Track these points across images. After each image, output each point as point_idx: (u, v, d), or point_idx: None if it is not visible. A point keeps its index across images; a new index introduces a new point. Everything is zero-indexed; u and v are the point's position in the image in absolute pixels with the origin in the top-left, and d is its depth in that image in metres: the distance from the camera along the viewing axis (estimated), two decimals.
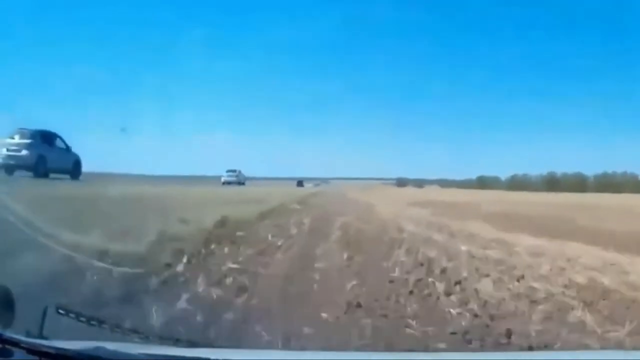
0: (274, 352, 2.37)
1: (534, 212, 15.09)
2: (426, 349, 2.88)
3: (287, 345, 2.82)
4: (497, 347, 2.98)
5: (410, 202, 20.33)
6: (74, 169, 15.75)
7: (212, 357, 1.69)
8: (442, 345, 3.02)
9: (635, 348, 2.99)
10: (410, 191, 44.53)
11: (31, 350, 1.60)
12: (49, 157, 14.48)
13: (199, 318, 3.41)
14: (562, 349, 2.89)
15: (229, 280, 4.51)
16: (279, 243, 6.85)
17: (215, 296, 4.00)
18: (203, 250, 5.77)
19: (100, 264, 4.25)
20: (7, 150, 13.88)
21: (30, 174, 13.62)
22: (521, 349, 2.94)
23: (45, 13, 53.93)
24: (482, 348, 2.97)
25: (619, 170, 52.78)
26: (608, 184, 48.65)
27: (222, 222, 7.99)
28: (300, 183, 55.34)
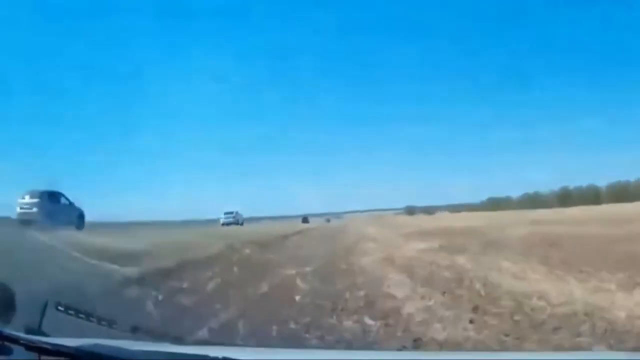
0: (274, 352, 2.35)
1: (577, 232, 12.06)
2: (426, 349, 2.83)
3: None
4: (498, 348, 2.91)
5: (417, 232, 16.76)
6: (78, 221, 17.90)
7: (211, 355, 1.68)
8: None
9: (635, 349, 2.92)
10: (417, 219, 41.78)
11: (30, 346, 1.62)
12: (55, 212, 16.70)
13: None
14: (562, 350, 2.83)
15: None
16: None
17: None
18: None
19: None
20: (21, 208, 16.90)
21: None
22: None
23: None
24: (482, 348, 2.91)
25: (631, 178, 51.94)
26: (621, 193, 47.49)
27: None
28: (305, 219, 54.97)
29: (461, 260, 7.86)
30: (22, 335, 1.65)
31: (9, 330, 1.63)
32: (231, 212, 36.96)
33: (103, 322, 1.97)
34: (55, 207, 17.37)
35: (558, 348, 3.01)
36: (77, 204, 18.92)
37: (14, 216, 16.97)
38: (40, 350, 1.61)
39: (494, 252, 8.73)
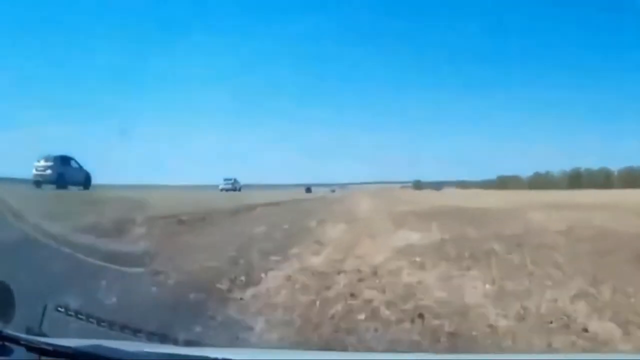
0: (274, 352, 2.36)
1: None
2: (426, 350, 2.83)
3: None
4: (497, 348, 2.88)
5: (418, 212, 13.38)
6: (85, 182, 20.07)
7: (212, 356, 1.68)
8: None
9: (635, 351, 2.89)
10: (422, 194, 39.46)
11: (31, 347, 1.62)
12: (66, 174, 19.30)
13: None
14: (562, 351, 2.81)
15: None
16: None
17: None
18: None
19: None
20: (36, 170, 18.89)
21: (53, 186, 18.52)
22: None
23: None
24: (482, 349, 2.90)
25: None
26: (633, 178, 46.14)
27: None
28: (308, 189, 56.32)
29: (479, 287, 4.60)
30: (22, 335, 1.65)
31: (9, 331, 1.63)
32: (230, 179, 38.84)
33: (103, 323, 1.97)
34: (66, 169, 19.66)
35: None
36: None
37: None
38: (41, 350, 1.62)
39: (537, 260, 5.52)
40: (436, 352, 3.02)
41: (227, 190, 35.47)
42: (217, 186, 37.73)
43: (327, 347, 3.12)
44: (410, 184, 72.44)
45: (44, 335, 1.73)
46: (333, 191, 58.78)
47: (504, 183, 57.83)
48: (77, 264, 4.66)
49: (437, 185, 64.29)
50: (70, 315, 1.91)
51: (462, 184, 67.43)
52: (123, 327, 2.07)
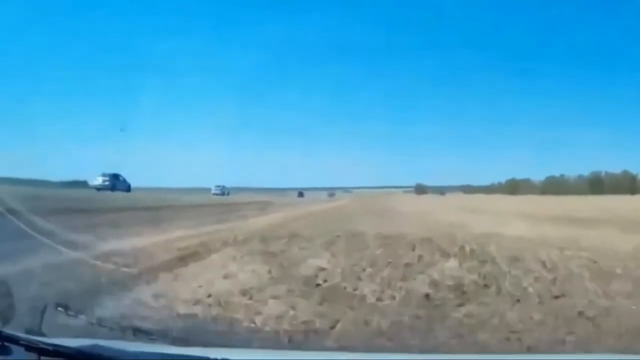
0: (273, 352, 2.36)
1: None
2: (426, 350, 2.83)
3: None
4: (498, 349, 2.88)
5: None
6: (127, 188, 31.19)
7: (211, 357, 1.68)
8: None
9: (634, 352, 2.88)
10: (425, 200, 35.85)
11: (30, 347, 1.62)
12: (116, 184, 30.41)
13: None
14: (562, 352, 2.81)
15: None
16: None
17: None
18: None
19: None
20: (100, 182, 29.83)
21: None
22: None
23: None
24: (482, 350, 2.90)
25: None
26: None
27: None
28: (300, 194, 57.61)
29: None
30: (22, 335, 1.65)
31: (9, 331, 1.63)
32: (220, 186, 47.06)
33: (103, 323, 1.97)
34: (116, 181, 30.91)
35: None
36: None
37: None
38: (40, 350, 1.61)
39: None
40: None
41: (217, 195, 42.60)
42: (207, 189, 44.92)
43: None
44: (411, 189, 71.53)
45: (43, 335, 1.73)
46: (331, 195, 58.84)
47: (514, 187, 54.49)
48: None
49: (441, 190, 62.54)
50: (70, 315, 1.91)
51: (467, 189, 65.42)
52: (123, 327, 2.06)
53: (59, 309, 1.90)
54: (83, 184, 31.33)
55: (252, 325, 3.38)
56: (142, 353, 1.71)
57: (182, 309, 3.61)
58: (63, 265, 4.63)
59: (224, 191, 45.58)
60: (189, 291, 4.18)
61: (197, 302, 3.85)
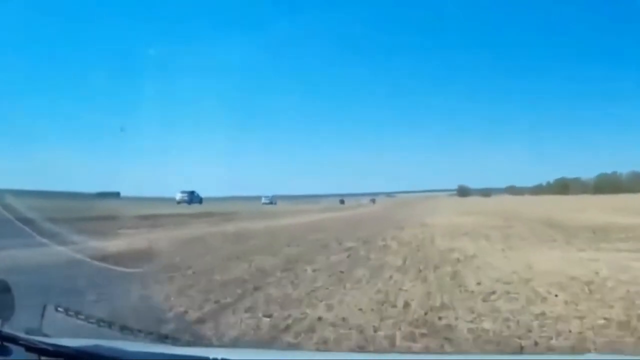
0: (273, 352, 2.36)
1: None
2: (426, 351, 2.85)
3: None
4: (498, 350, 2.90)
5: None
6: (200, 201, 43.15)
7: (211, 357, 1.68)
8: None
9: (635, 353, 2.92)
10: (466, 205, 32.07)
11: (30, 347, 1.61)
12: (193, 198, 42.43)
13: None
14: (562, 352, 2.83)
15: None
16: None
17: None
18: None
19: None
20: (179, 197, 42.50)
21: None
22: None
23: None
24: (482, 351, 2.92)
25: None
26: None
27: None
28: (342, 201, 60.08)
29: None
30: (22, 335, 1.64)
31: (8, 331, 1.62)
32: (269, 196, 53.87)
33: (103, 323, 1.96)
34: (193, 196, 42.87)
35: None
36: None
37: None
38: (40, 351, 1.60)
39: None
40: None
41: (267, 204, 49.62)
42: (259, 198, 53.20)
43: None
44: (454, 192, 66.81)
45: (43, 335, 1.72)
46: (373, 202, 59.36)
47: (564, 187, 51.29)
48: None
49: (485, 192, 59.75)
50: (70, 315, 1.89)
51: (513, 190, 61.41)
52: (123, 327, 2.06)
53: (59, 309, 1.88)
54: (115, 195, 36.27)
55: None
56: (142, 353, 1.71)
57: None
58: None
59: (272, 200, 51.82)
60: None
61: None
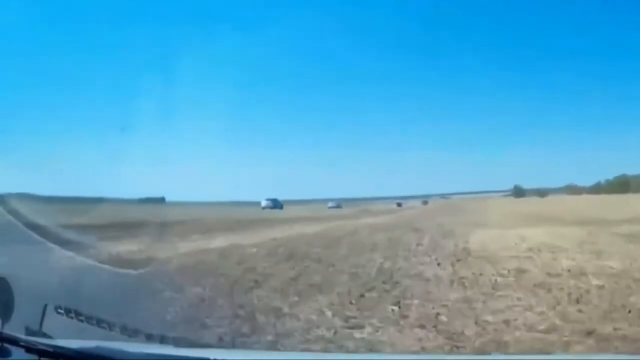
0: (273, 353, 2.37)
1: None
2: (427, 351, 2.86)
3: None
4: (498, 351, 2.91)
5: None
6: (281, 207, 45.96)
7: (212, 357, 1.68)
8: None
9: (635, 353, 2.92)
10: (518, 207, 26.74)
11: (30, 348, 1.61)
12: (275, 204, 46.31)
13: None
14: (562, 352, 2.84)
15: None
16: None
17: None
18: None
19: None
20: (265, 204, 46.65)
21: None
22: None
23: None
24: (482, 351, 2.93)
25: None
26: None
27: None
28: (399, 204, 58.81)
29: None
30: (22, 337, 1.64)
31: (9, 332, 1.62)
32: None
33: (103, 325, 1.96)
34: (275, 202, 46.39)
35: None
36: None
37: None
38: (40, 352, 1.60)
39: None
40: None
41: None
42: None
43: None
44: (509, 192, 64.00)
45: (44, 336, 1.72)
46: (425, 202, 59.16)
47: (625, 185, 47.00)
48: None
49: (541, 192, 56.63)
50: (70, 316, 1.89)
51: (570, 189, 56.68)
52: (123, 328, 2.05)
53: (59, 310, 1.88)
54: (160, 201, 34.64)
55: None
56: (142, 354, 1.71)
57: None
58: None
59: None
60: None
61: None
